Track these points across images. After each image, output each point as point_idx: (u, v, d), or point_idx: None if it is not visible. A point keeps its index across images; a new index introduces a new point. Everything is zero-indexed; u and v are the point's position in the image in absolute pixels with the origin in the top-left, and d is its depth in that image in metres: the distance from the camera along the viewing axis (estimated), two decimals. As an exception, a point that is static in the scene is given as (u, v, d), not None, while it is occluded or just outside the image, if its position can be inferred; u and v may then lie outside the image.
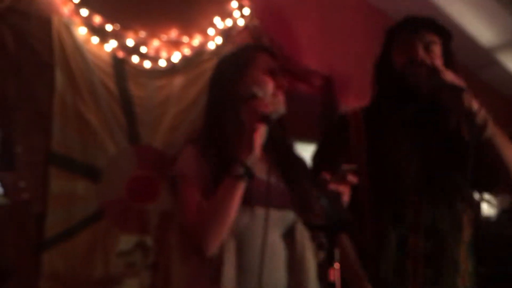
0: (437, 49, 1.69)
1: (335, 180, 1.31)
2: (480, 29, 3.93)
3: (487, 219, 3.93)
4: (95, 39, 2.69)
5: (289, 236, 1.43)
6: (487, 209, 4.14)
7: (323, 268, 1.06)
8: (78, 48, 2.64)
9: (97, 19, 2.68)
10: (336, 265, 1.00)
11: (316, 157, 1.86)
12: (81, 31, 2.66)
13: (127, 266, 2.60)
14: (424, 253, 1.62)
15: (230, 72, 1.52)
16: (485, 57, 4.12)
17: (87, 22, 2.67)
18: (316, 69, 3.44)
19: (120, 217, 2.64)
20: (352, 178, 1.32)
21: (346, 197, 1.33)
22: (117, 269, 2.59)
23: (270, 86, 1.49)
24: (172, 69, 2.85)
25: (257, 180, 1.39)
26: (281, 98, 1.50)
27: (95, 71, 2.67)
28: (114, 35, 2.72)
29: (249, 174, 1.34)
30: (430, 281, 1.62)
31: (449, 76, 1.53)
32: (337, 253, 1.01)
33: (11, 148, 2.48)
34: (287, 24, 3.39)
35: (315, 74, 3.44)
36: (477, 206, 1.70)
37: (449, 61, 1.69)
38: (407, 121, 1.69)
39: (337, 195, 1.14)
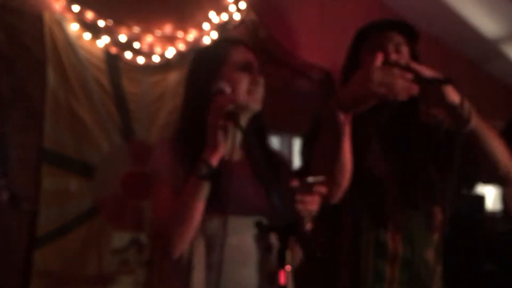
0: (405, 51, 1.66)
1: (301, 191, 1.28)
2: (484, 20, 3.85)
3: (493, 215, 3.88)
4: (87, 35, 2.67)
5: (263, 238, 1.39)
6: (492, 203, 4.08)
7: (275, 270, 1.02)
8: (70, 44, 2.63)
9: (89, 15, 2.67)
10: (288, 268, 0.97)
11: (305, 150, 1.82)
12: (73, 27, 2.65)
13: (121, 264, 2.59)
14: (402, 257, 1.59)
15: (203, 69, 1.48)
16: (489, 49, 4.05)
17: (79, 18, 2.65)
18: (315, 63, 3.40)
19: (114, 214, 2.62)
20: (319, 189, 1.29)
21: (314, 207, 1.31)
22: (111, 267, 2.58)
23: (243, 82, 1.44)
24: (167, 64, 2.83)
25: (229, 183, 1.35)
26: (257, 94, 1.46)
27: (88, 67, 2.66)
28: (107, 30, 2.70)
29: (213, 174, 1.29)
30: (405, 285, 1.59)
31: (427, 72, 1.49)
32: (288, 255, 0.97)
33: (3, 146, 2.47)
34: (285, 17, 3.34)
35: (314, 68, 3.39)
36: (450, 207, 1.66)
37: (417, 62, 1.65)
38: (382, 120, 1.66)
39: (291, 196, 1.09)
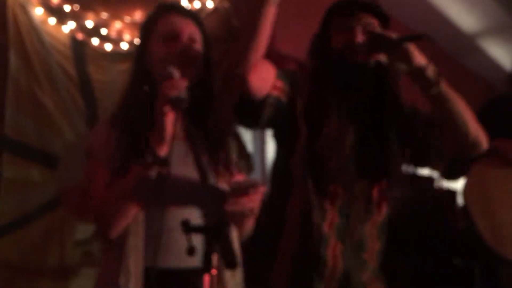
0: None
1: (236, 194, 1.24)
2: (462, 14, 3.85)
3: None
4: (52, 20, 2.58)
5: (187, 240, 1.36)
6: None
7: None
8: (34, 29, 2.53)
9: (55, -1, 2.58)
10: (213, 272, 0.92)
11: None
12: (38, 12, 2.55)
13: (84, 256, 2.53)
14: (338, 229, 1.60)
15: (140, 40, 1.43)
16: (467, 43, 4.05)
17: (44, 2, 2.56)
18: (290, 54, 3.34)
19: (78, 205, 2.55)
20: (256, 190, 1.26)
21: (254, 205, 1.29)
22: (74, 259, 2.52)
23: (164, 54, 1.37)
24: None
25: (173, 175, 1.29)
26: (186, 67, 1.34)
27: (53, 53, 2.57)
28: (73, 16, 2.62)
29: (158, 164, 1.25)
30: (342, 250, 1.61)
31: (392, 35, 1.50)
32: (214, 259, 0.92)
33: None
34: (260, 6, 3.27)
35: (288, 60, 3.33)
36: (402, 184, 1.66)
37: None
38: (346, 97, 1.65)
39: (220, 196, 1.04)
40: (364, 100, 1.65)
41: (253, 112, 1.57)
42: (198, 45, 1.44)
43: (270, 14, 1.41)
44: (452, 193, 3.70)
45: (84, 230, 2.56)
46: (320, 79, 1.65)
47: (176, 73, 1.30)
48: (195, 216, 1.23)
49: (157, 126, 1.26)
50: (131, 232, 1.30)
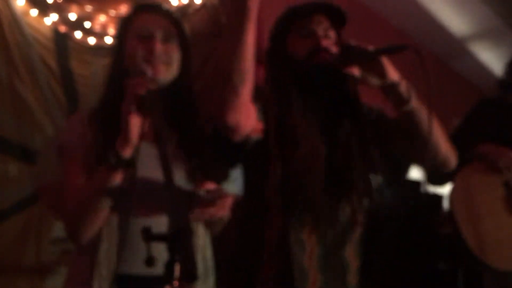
0: (332, 35, 1.59)
1: (203, 203, 1.21)
2: (452, 18, 3.82)
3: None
4: (34, 12, 2.51)
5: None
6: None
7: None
8: (15, 20, 2.46)
9: (37, -10, 2.51)
10: (175, 284, 0.87)
11: None
12: (19, 3, 2.48)
13: (62, 254, 2.47)
14: (319, 260, 1.53)
15: (116, 38, 1.39)
16: (456, 47, 4.03)
17: (26, -8, 2.49)
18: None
19: (56, 201, 2.49)
20: (223, 200, 1.22)
21: (223, 213, 1.25)
22: (51, 257, 2.46)
23: (137, 52, 1.32)
24: (120, 47, 2.69)
25: (140, 178, 1.25)
26: (157, 65, 1.31)
27: (34, 46, 2.51)
28: (56, 7, 2.55)
29: (123, 165, 1.20)
30: (322, 282, 1.53)
31: (367, 47, 1.44)
32: (177, 269, 0.88)
33: None
34: (249, 3, 3.22)
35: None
36: (372, 197, 1.62)
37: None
38: (312, 106, 1.59)
39: (185, 199, 1.00)
40: (331, 107, 1.59)
41: (230, 152, 1.51)
42: (174, 45, 1.39)
43: (251, 41, 1.32)
44: (438, 198, 3.68)
45: (61, 228, 2.49)
46: (284, 89, 1.57)
47: (149, 71, 1.25)
48: (163, 222, 1.18)
49: (123, 126, 1.20)
50: (104, 237, 1.25)
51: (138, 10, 1.43)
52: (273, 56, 1.62)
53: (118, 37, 1.41)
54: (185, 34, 1.44)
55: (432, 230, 3.55)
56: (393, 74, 1.45)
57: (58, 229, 2.49)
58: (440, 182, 2.52)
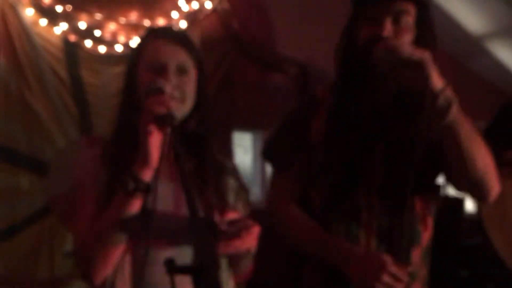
0: (409, 20, 1.43)
1: (229, 235, 1.14)
2: (469, 16, 3.72)
3: (472, 218, 3.77)
4: (43, 21, 2.49)
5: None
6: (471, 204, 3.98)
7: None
8: (24, 30, 2.45)
9: (46, -1, 2.48)
10: None
11: (271, 146, 1.64)
12: (29, 12, 2.46)
13: (76, 267, 2.43)
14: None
15: (128, 68, 1.30)
16: (473, 46, 3.93)
17: (35, 2, 2.47)
18: (291, 56, 3.23)
19: (68, 213, 2.45)
20: (250, 231, 1.16)
21: (251, 245, 1.18)
22: (64, 270, 2.42)
23: (146, 84, 1.24)
24: (131, 55, 2.65)
25: (160, 209, 1.17)
26: (170, 100, 1.18)
27: (44, 56, 2.48)
28: (65, 16, 2.53)
29: (143, 191, 1.12)
30: None
31: (407, 50, 1.32)
32: None
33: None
34: (261, 7, 3.17)
35: (290, 62, 3.23)
36: (438, 205, 1.53)
37: (425, 33, 1.46)
38: (369, 107, 1.49)
39: (211, 231, 0.93)
40: (391, 106, 1.48)
41: None
42: (189, 76, 1.29)
43: None
44: (459, 201, 3.59)
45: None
46: (345, 81, 1.49)
47: (167, 88, 1.17)
48: (184, 254, 1.12)
49: (142, 147, 1.12)
50: (118, 276, 1.18)
51: (149, 36, 1.32)
52: (342, 46, 1.52)
53: (129, 68, 1.29)
54: (200, 60, 1.33)
55: (454, 236, 3.46)
56: (437, 81, 1.30)
57: (71, 242, 2.45)
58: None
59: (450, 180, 1.49)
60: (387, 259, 1.36)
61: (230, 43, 3.01)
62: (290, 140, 1.56)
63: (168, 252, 1.13)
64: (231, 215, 1.24)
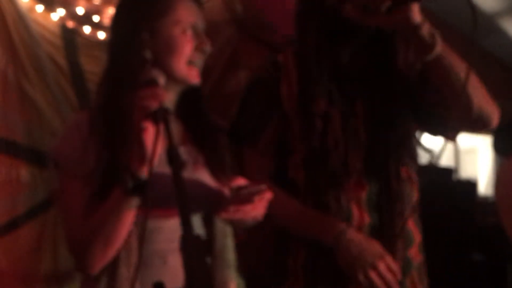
0: None
1: (238, 201, 1.08)
2: (482, -6, 3.62)
3: (485, 201, 3.70)
4: (40, 7, 2.40)
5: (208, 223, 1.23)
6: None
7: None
8: (20, 17, 2.35)
9: (42, -16, 2.40)
10: None
11: (238, 119, 1.57)
12: (24, -2, 2.38)
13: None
14: (370, 230, 1.42)
15: (132, 15, 1.20)
16: (486, 24, 3.82)
17: (30, -13, 2.38)
18: (279, 25, 3.13)
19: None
20: (263, 196, 1.09)
21: (259, 212, 1.16)
22: (68, 263, 2.37)
23: (185, 48, 1.18)
24: (131, 40, 2.58)
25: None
26: (198, 67, 1.20)
27: (41, 43, 2.40)
28: (62, 2, 2.44)
29: (141, 187, 1.05)
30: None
31: None
32: None
33: None
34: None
35: (277, 32, 3.13)
36: (418, 166, 1.51)
37: None
38: (343, 65, 1.45)
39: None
40: (365, 65, 1.45)
41: None
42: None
43: None
44: (472, 184, 3.51)
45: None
46: (311, 44, 1.43)
47: (161, 80, 1.10)
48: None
49: (137, 143, 1.05)
50: (122, 260, 1.12)
51: None
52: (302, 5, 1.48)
53: (147, 12, 1.17)
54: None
55: (467, 218, 3.39)
56: (416, 16, 1.27)
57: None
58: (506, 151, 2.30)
59: (449, 123, 1.43)
60: (384, 251, 1.35)
61: (235, 26, 2.91)
62: (254, 112, 1.51)
63: (175, 221, 1.05)
64: (239, 180, 1.21)
